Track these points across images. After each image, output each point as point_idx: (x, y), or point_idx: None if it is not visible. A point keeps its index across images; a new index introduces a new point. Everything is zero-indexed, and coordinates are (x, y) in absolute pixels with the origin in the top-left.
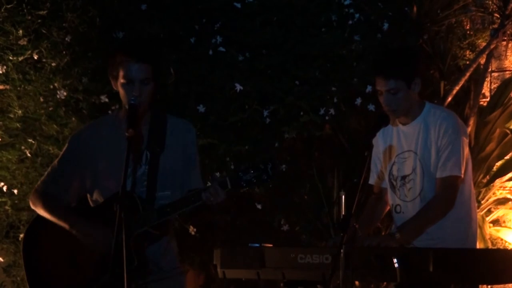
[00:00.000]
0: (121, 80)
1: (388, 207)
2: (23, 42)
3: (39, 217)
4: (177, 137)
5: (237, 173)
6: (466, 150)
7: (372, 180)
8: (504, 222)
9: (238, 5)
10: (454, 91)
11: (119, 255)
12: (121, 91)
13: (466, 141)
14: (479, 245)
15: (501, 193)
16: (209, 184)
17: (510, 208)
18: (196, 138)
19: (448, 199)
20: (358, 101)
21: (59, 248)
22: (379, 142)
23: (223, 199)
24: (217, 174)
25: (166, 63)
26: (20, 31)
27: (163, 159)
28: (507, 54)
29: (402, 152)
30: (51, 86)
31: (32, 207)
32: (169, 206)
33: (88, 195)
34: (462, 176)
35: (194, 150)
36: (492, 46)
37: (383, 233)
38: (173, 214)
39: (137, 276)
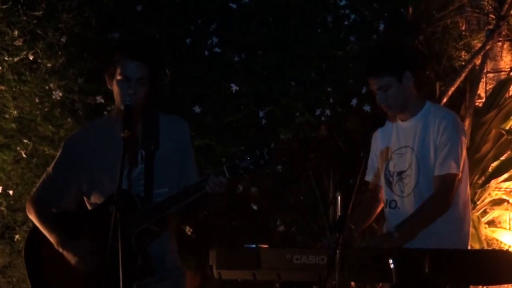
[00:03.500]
0: (118, 77)
1: (382, 205)
2: (18, 42)
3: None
4: (170, 134)
5: (234, 161)
6: (464, 151)
7: (368, 177)
8: (499, 223)
9: (234, 6)
10: (450, 92)
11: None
12: (116, 89)
13: (464, 140)
14: (474, 246)
15: (496, 194)
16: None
17: (506, 209)
18: (189, 133)
19: (446, 198)
20: (354, 101)
21: (61, 256)
22: (378, 139)
23: (225, 186)
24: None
25: (162, 64)
26: (16, 32)
27: (158, 157)
28: (503, 55)
29: (399, 147)
30: (47, 87)
31: (28, 215)
32: (167, 201)
33: (86, 198)
34: (460, 174)
35: (188, 145)
36: (487, 47)
37: (378, 233)
38: (172, 208)
39: (142, 275)
